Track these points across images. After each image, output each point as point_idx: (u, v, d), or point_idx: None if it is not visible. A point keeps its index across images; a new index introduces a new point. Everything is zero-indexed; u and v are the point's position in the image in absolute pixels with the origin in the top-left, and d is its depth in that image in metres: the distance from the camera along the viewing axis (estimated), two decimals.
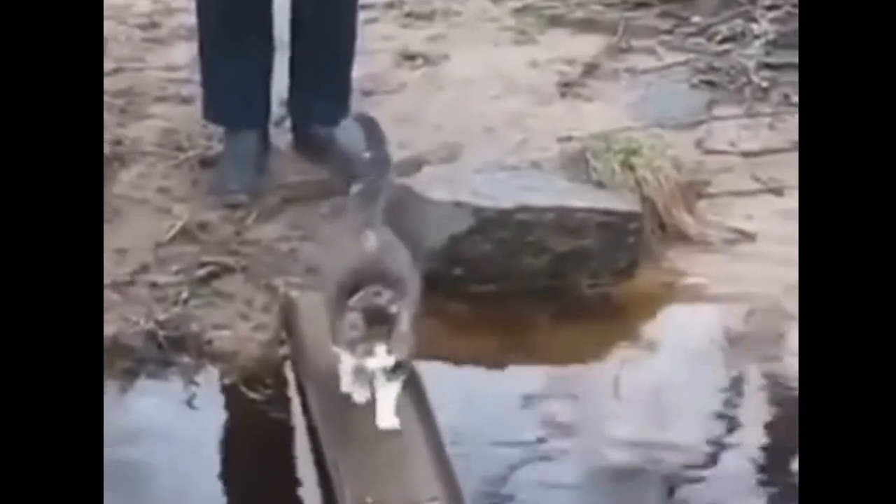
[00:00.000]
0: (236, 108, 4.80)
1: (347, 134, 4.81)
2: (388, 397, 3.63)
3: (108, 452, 3.75)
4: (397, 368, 3.57)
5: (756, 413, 4.04)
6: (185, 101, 5.18)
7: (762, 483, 3.79)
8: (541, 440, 3.89)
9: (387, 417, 3.63)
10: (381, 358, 3.51)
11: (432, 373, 3.82)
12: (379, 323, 3.48)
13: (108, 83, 5.27)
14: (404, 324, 3.50)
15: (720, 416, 4.02)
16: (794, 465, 3.77)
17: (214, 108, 4.85)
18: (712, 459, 3.86)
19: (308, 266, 4.29)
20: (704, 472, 3.81)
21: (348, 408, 3.68)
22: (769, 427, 3.99)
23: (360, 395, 3.69)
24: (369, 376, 3.62)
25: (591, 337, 4.28)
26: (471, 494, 3.49)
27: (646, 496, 3.73)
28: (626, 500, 3.76)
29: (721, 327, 4.36)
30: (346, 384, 3.70)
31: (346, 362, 3.65)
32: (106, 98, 5.16)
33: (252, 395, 4.04)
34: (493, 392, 4.07)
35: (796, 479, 3.73)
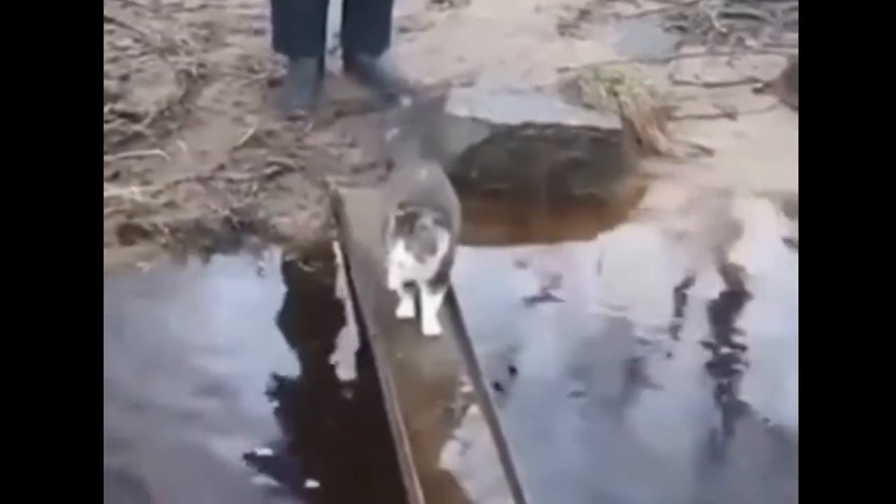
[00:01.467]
0: (298, 40, 4.75)
1: (387, 63, 4.80)
2: (431, 308, 3.47)
3: (191, 314, 3.82)
4: (439, 283, 3.43)
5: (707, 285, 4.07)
6: (257, 32, 5.13)
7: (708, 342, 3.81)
8: (537, 298, 3.92)
9: (430, 325, 3.47)
10: (398, 253, 3.32)
11: None
12: (409, 226, 3.31)
13: (195, 17, 5.25)
14: (444, 242, 3.34)
15: (678, 288, 4.04)
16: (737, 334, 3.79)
17: (280, 40, 4.80)
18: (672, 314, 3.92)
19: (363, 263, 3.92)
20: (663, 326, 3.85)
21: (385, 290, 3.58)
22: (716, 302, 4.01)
23: (404, 311, 3.52)
24: (415, 291, 3.47)
25: (581, 227, 4.25)
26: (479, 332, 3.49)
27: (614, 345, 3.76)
28: (599, 345, 3.76)
29: (682, 220, 4.34)
30: (392, 282, 3.46)
31: (394, 266, 3.40)
32: (192, 29, 5.15)
33: (307, 268, 4.04)
34: (501, 267, 4.07)
35: (739, 342, 3.77)
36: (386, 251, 3.41)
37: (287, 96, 4.73)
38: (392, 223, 3.33)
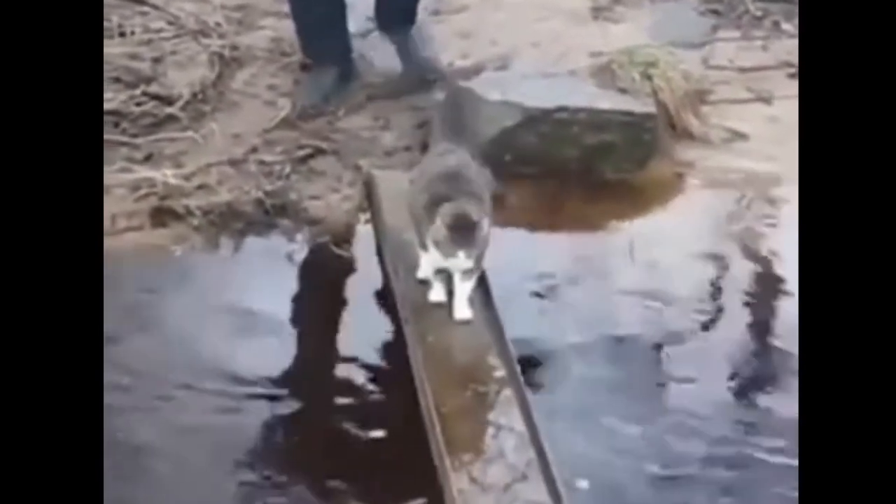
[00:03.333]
0: (317, 47, 4.71)
1: (419, 45, 4.78)
2: (463, 294, 3.46)
3: (225, 295, 3.83)
4: (473, 269, 3.42)
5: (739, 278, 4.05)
6: (289, 16, 5.12)
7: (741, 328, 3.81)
8: (568, 281, 3.91)
9: (462, 310, 3.47)
10: (461, 261, 3.35)
11: None
12: (463, 230, 3.31)
13: (228, 0, 5.24)
14: (484, 231, 3.35)
15: (710, 272, 4.03)
16: (771, 327, 3.77)
17: (302, 45, 4.78)
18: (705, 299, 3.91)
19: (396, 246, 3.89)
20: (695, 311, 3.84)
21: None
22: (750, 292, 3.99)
23: (436, 295, 3.52)
24: (447, 276, 3.48)
25: (613, 211, 4.24)
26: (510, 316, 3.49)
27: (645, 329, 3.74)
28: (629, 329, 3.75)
29: (715, 205, 4.32)
30: (423, 272, 3.53)
31: (428, 258, 3.47)
32: (225, 12, 5.14)
33: (339, 251, 4.04)
34: (533, 250, 4.05)
35: (770, 341, 3.74)
36: (420, 240, 3.44)
37: (298, 95, 4.68)
38: (440, 227, 3.32)
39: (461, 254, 3.32)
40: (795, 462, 2.82)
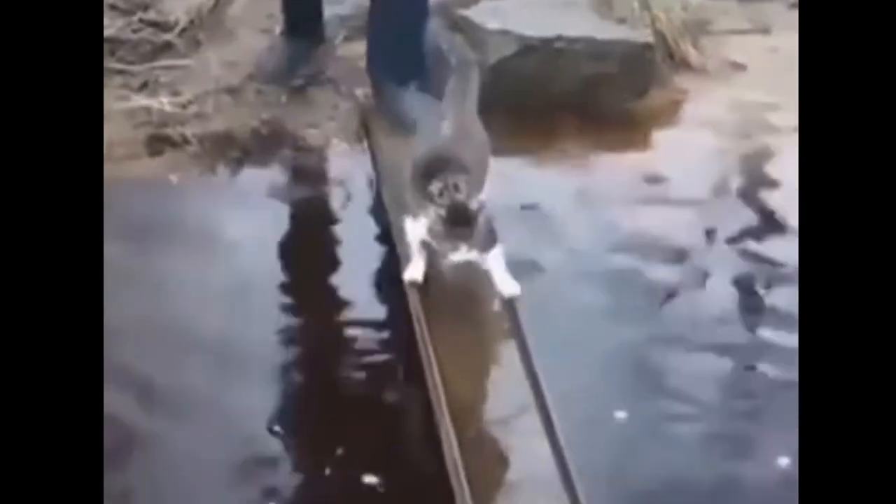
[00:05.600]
0: (292, 16, 4.45)
1: None
2: (499, 267, 3.25)
3: (223, 220, 3.80)
4: (490, 243, 3.20)
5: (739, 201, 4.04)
6: None
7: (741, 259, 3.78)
8: (565, 212, 3.88)
9: (508, 286, 3.25)
10: (463, 253, 3.15)
11: None
12: (463, 224, 3.09)
13: None
14: (483, 215, 3.12)
15: (709, 204, 4.01)
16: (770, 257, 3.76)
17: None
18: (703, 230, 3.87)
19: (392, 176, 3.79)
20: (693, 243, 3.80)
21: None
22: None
23: (414, 272, 3.30)
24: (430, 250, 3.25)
25: (611, 141, 4.21)
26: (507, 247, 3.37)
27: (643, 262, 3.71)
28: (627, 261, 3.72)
29: (714, 136, 4.29)
30: (410, 272, 3.30)
31: (416, 228, 3.22)
32: None
33: (336, 179, 4.03)
34: (530, 181, 4.02)
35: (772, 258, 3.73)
36: (412, 209, 3.23)
37: (269, 59, 4.44)
38: (436, 220, 3.10)
39: (463, 247, 3.14)
40: None
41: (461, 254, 3.14)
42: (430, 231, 3.14)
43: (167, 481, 2.98)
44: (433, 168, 3.17)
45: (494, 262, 3.24)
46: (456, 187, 3.10)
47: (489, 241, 3.19)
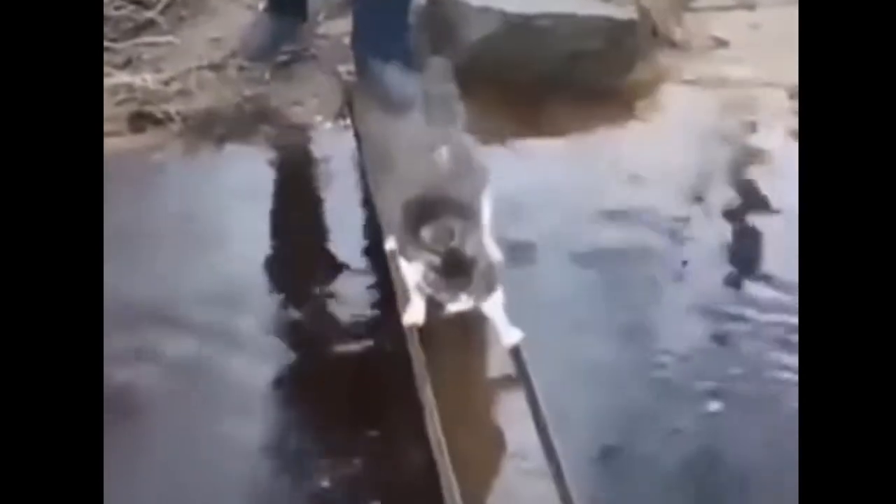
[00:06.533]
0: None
1: None
2: (498, 313, 3.02)
3: (206, 198, 3.79)
4: (490, 286, 2.96)
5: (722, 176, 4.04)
6: None
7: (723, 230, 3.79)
8: (549, 189, 3.86)
9: (508, 334, 3.04)
10: (463, 303, 2.89)
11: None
12: (459, 274, 2.83)
13: None
14: (482, 259, 2.88)
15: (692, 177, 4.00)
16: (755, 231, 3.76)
17: None
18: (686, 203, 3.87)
19: (376, 155, 3.76)
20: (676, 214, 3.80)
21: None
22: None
23: (414, 316, 3.05)
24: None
25: (595, 118, 4.19)
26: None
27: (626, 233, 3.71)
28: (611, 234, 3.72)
29: (697, 112, 4.29)
30: (410, 314, 3.07)
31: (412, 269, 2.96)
32: None
33: (320, 156, 4.02)
34: (514, 158, 4.00)
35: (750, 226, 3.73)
36: (401, 250, 3.01)
37: (253, 35, 4.40)
38: (437, 268, 2.84)
39: (462, 296, 2.88)
40: None
41: (461, 304, 2.89)
42: (426, 279, 2.88)
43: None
44: (424, 212, 2.89)
45: (494, 310, 3.01)
46: (451, 234, 2.83)
47: (489, 287, 2.95)
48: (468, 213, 2.91)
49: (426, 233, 2.83)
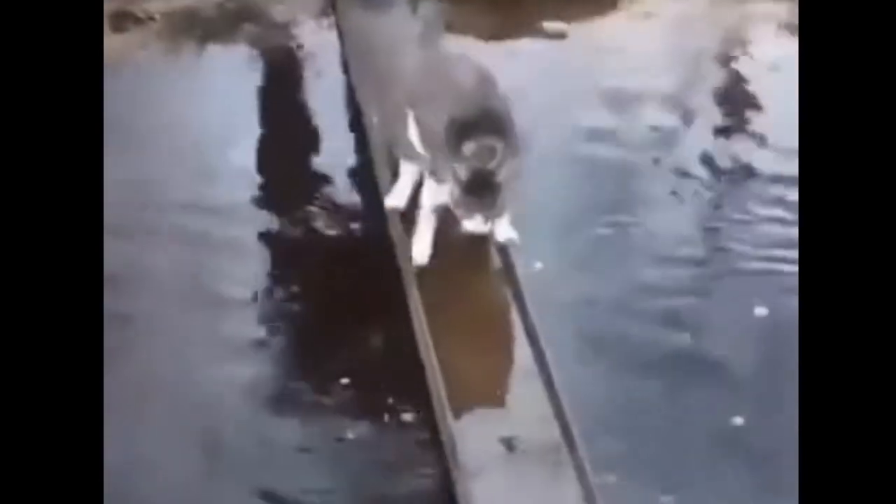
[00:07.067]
0: None
1: None
2: (506, 226, 3.01)
3: (189, 99, 3.76)
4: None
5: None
6: None
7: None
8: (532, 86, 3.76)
9: (506, 231, 3.03)
10: (477, 224, 2.82)
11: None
12: (481, 193, 2.78)
13: None
14: (509, 187, 2.81)
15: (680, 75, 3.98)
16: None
17: None
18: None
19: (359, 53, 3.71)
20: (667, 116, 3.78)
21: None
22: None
23: (396, 199, 3.11)
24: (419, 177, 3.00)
25: (574, 16, 4.12)
26: None
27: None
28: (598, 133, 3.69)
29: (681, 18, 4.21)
30: (396, 197, 3.10)
31: (410, 171, 3.02)
32: None
33: (303, 55, 3.98)
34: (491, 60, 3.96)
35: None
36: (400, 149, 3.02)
37: None
38: (464, 179, 2.77)
39: (478, 216, 2.82)
40: None
41: (475, 223, 2.83)
42: (451, 194, 2.82)
43: None
44: (466, 127, 2.81)
45: (501, 226, 3.00)
46: (492, 152, 2.78)
47: (501, 209, 2.89)
48: (509, 135, 2.83)
49: (468, 148, 2.77)
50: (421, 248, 3.01)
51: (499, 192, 2.78)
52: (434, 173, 2.93)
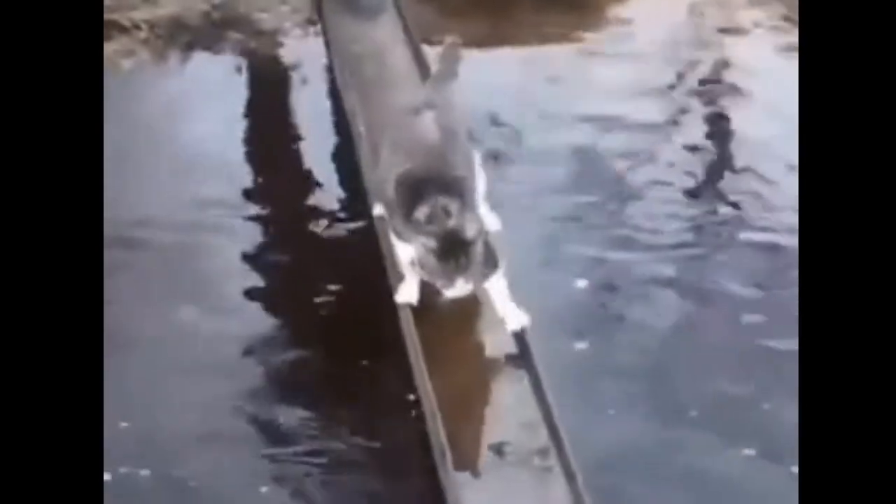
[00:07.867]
0: None
1: None
2: (502, 297, 2.72)
3: (175, 107, 3.75)
4: (491, 266, 2.68)
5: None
6: None
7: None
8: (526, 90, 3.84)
9: (514, 318, 2.73)
10: (461, 288, 2.59)
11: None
12: (456, 255, 2.54)
13: None
14: (482, 239, 2.60)
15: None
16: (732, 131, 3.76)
17: None
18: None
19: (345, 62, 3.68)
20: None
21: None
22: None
23: (407, 295, 2.76)
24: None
25: (564, 24, 4.16)
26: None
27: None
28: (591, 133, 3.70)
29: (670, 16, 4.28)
30: (403, 294, 2.76)
31: (406, 251, 2.67)
32: None
33: (288, 63, 3.98)
34: (487, 63, 3.96)
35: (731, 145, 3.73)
36: (394, 229, 2.72)
37: None
38: (425, 252, 2.56)
39: (459, 281, 2.59)
40: None
41: (458, 288, 2.59)
42: (420, 262, 2.60)
43: None
44: (418, 188, 2.60)
45: (496, 292, 2.73)
46: (447, 211, 2.56)
47: (489, 266, 2.68)
48: (464, 188, 2.63)
49: (420, 212, 2.57)
50: (409, 291, 2.77)
51: (473, 249, 2.56)
52: (398, 234, 2.69)
